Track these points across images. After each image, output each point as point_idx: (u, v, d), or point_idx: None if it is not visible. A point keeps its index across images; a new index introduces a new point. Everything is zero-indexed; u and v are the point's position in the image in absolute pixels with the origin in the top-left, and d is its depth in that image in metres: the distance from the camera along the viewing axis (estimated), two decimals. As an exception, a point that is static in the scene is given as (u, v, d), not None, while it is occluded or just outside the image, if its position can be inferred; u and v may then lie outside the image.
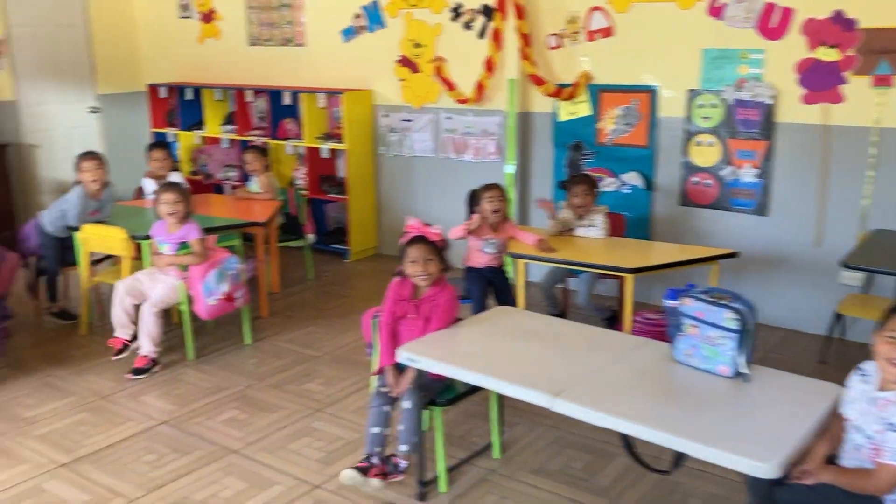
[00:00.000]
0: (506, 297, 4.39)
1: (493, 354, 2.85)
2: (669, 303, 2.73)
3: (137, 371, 4.27)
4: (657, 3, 4.96)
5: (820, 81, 4.51)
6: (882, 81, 4.33)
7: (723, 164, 4.92)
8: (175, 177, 5.74)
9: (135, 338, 4.38)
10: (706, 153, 4.98)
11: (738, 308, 2.55)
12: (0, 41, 7.01)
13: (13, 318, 4.21)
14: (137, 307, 4.37)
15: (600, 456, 3.42)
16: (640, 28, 5.06)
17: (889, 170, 4.41)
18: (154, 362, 4.33)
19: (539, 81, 5.40)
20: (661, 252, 4.40)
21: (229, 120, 7.20)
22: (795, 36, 4.54)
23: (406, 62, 6.17)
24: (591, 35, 5.27)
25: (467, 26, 5.80)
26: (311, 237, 6.10)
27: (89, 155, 4.99)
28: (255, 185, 5.81)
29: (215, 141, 7.24)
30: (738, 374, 2.57)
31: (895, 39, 4.25)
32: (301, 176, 6.75)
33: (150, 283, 4.43)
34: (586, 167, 5.45)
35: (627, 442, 2.85)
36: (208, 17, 7.35)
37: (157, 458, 3.43)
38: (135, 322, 4.37)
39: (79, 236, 4.80)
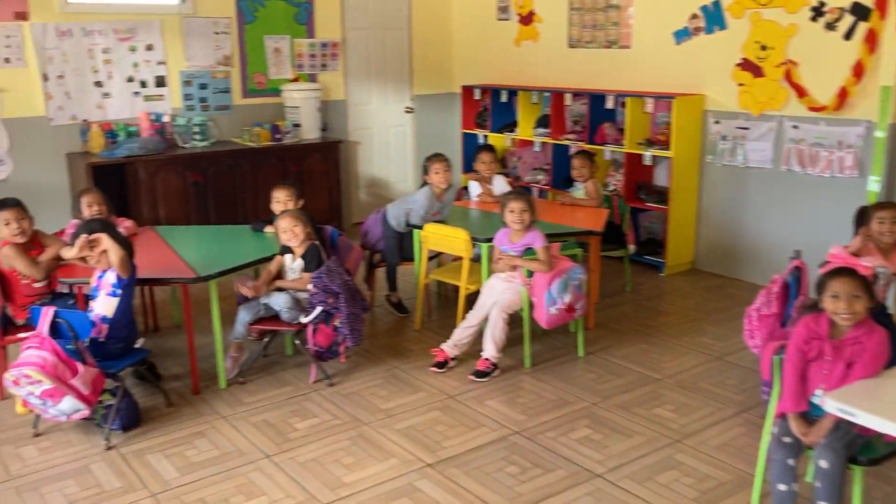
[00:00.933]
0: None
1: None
2: None
3: (479, 374, 4.27)
4: None
5: None
6: None
7: None
8: (499, 180, 5.75)
9: (456, 359, 4.42)
10: None
11: None
12: (336, 44, 7.49)
13: (369, 311, 4.37)
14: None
15: None
16: None
17: None
18: (495, 366, 4.31)
19: (923, 88, 4.71)
20: None
21: (542, 123, 7.14)
22: None
23: (748, 65, 5.69)
24: None
25: (830, 27, 5.21)
26: (632, 248, 5.85)
27: (439, 157, 5.10)
28: (579, 191, 5.67)
29: (526, 144, 7.22)
30: None
31: None
32: (615, 182, 6.53)
33: (497, 289, 4.41)
34: (976, 190, 4.66)
35: None
36: (527, 19, 7.35)
37: (520, 471, 3.35)
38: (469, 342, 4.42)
39: (421, 235, 4.92)
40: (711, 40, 5.91)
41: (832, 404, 2.52)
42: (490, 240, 4.61)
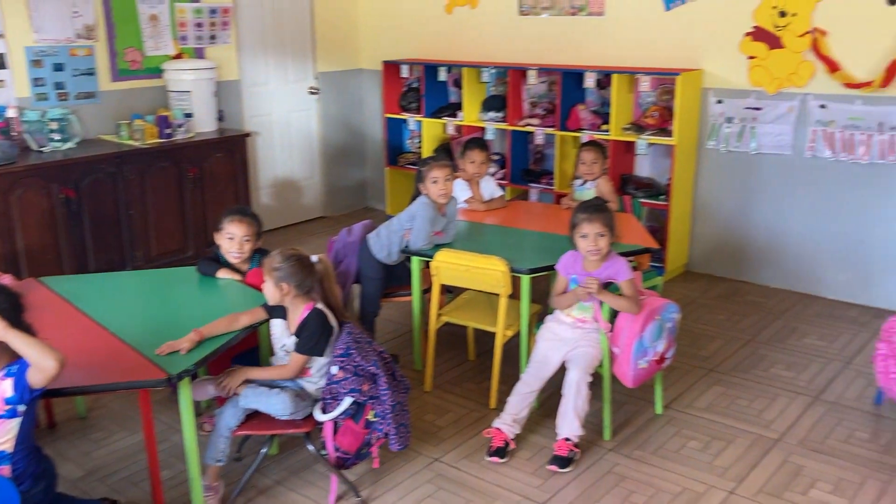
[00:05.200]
0: None
1: None
2: None
3: (563, 461, 3.13)
4: None
5: None
6: None
7: None
8: (488, 182, 4.60)
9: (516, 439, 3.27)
10: None
11: None
12: (227, 9, 5.93)
13: (410, 391, 3.06)
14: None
15: None
16: None
17: None
18: (577, 448, 3.19)
19: None
20: None
21: (491, 105, 6.00)
22: None
23: (762, 35, 4.87)
24: None
25: (871, -11, 4.47)
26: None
27: (439, 161, 3.83)
28: (589, 191, 4.61)
29: (474, 131, 6.05)
30: None
31: None
32: (591, 174, 5.55)
33: (565, 339, 3.28)
34: None
35: None
36: (462, -19, 6.15)
37: None
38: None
39: (431, 266, 3.67)
40: (712, 5, 5.03)
41: None
42: (535, 270, 3.48)
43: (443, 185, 3.75)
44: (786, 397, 3.69)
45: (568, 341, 3.27)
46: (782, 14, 4.77)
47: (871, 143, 4.62)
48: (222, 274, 3.35)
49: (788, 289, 5.09)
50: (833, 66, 4.63)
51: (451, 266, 3.61)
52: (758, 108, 4.99)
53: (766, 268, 5.17)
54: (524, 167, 5.98)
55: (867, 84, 4.52)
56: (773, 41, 4.85)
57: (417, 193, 3.88)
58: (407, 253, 3.83)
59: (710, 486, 3.01)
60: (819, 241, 4.93)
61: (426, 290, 3.91)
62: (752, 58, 4.95)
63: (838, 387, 3.78)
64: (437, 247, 3.74)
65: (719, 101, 5.13)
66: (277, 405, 2.78)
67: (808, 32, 4.70)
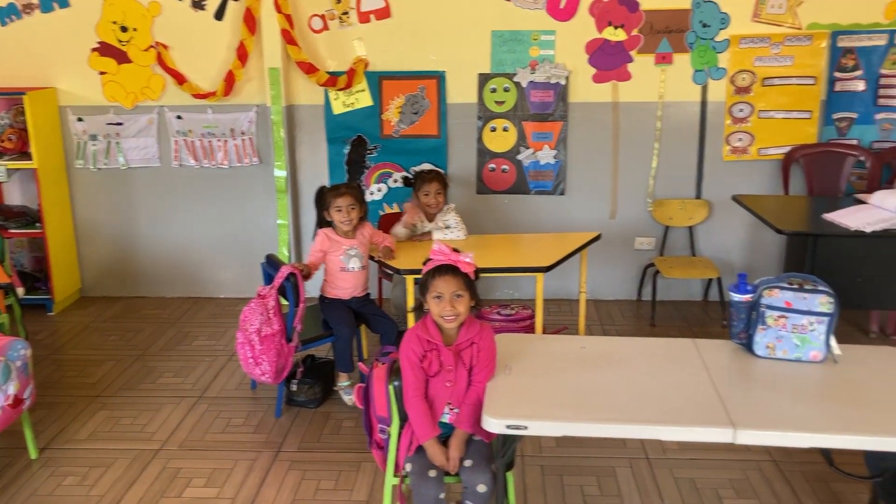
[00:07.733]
0: (385, 326, 3.75)
1: (595, 396, 2.37)
2: (741, 297, 2.59)
3: None
4: (439, -17, 4.67)
5: (608, 61, 4.73)
6: (663, 59, 4.71)
7: (519, 147, 4.89)
8: None
9: None
10: (501, 138, 4.88)
11: (829, 291, 2.52)
12: None
13: None
14: None
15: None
16: (422, 9, 4.71)
17: (671, 141, 4.84)
18: (-79, 530, 2.75)
19: (310, 69, 4.71)
20: (536, 244, 4.20)
21: None
22: (584, 17, 4.67)
23: (109, 50, 4.85)
24: (364, 16, 4.74)
25: (198, 6, 4.76)
26: (21, 290, 4.46)
27: None
28: (-70, 231, 4.03)
29: None
30: (827, 357, 2.55)
31: (674, 20, 4.64)
32: (-51, 210, 4.93)
33: None
34: (371, 163, 4.95)
35: (828, 456, 2.66)
36: None
37: None
38: None
39: None
40: (53, 21, 4.83)
41: (497, 423, 2.25)
42: None
43: None
44: (171, 404, 3.75)
45: None
46: (124, 29, 4.80)
47: (228, 148, 4.96)
48: None
49: (185, 296, 5.21)
50: (180, 79, 4.83)
51: None
52: (119, 124, 4.96)
53: (161, 279, 5.21)
54: None
55: (212, 94, 4.81)
56: (120, 56, 4.85)
57: None
58: None
59: (84, 520, 2.88)
60: (204, 245, 5.14)
61: None
62: (103, 73, 4.88)
63: (221, 381, 3.99)
64: None
65: (80, 119, 4.97)
66: None
67: (151, 47, 4.81)
